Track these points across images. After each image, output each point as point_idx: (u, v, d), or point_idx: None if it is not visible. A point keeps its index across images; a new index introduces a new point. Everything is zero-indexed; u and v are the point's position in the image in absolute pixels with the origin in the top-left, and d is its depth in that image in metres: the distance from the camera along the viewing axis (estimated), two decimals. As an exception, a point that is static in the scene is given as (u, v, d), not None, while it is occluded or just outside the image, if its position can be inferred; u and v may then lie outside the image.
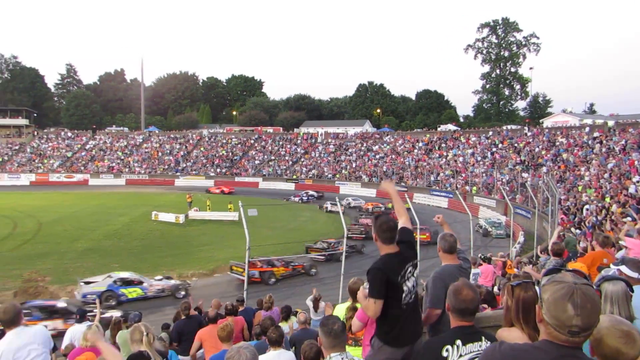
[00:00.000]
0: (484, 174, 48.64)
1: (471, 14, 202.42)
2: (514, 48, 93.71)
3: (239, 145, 77.73)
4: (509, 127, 65.28)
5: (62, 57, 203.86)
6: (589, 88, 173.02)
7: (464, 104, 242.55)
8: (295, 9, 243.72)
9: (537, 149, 48.19)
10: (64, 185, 66.77)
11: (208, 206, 42.15)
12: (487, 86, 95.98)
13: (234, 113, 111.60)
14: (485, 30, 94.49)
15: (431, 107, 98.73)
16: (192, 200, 44.25)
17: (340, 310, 5.43)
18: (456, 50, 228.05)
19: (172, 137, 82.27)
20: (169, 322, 10.44)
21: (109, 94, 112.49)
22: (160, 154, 77.05)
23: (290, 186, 63.59)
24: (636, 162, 30.43)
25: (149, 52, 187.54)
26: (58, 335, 9.88)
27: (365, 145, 69.93)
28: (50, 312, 15.70)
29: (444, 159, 57.40)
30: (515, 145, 51.88)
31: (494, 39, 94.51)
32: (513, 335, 2.89)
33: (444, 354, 2.86)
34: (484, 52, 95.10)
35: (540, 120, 73.77)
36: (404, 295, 3.66)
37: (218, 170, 71.87)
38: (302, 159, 71.38)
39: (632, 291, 3.39)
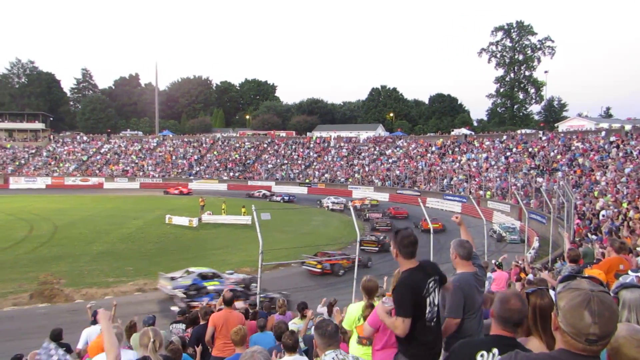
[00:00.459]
0: (497, 179, 48.25)
1: (485, 17, 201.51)
2: (529, 51, 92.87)
3: (252, 149, 78.04)
4: (523, 131, 64.67)
5: (77, 62, 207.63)
6: (605, 92, 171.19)
7: (478, 107, 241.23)
8: (308, 13, 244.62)
9: (552, 154, 47.69)
10: (80, 189, 67.55)
11: (223, 210, 42.26)
12: (501, 90, 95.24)
13: (247, 117, 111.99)
14: (499, 34, 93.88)
15: (444, 111, 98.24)
16: (204, 204, 44.48)
17: (356, 309, 5.45)
18: (469, 54, 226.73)
19: (186, 141, 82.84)
20: None
21: (124, 98, 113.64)
22: (174, 157, 77.63)
23: (303, 190, 63.66)
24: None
25: (163, 56, 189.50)
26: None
27: (378, 149, 69.81)
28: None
29: (458, 163, 57.05)
30: (530, 149, 51.41)
31: (508, 43, 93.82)
32: (531, 345, 2.85)
33: (478, 358, 2.81)
34: (498, 55, 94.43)
35: (555, 125, 73.01)
36: (427, 310, 3.67)
37: (231, 174, 72.20)
38: (315, 163, 71.43)
39: None
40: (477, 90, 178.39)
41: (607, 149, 41.51)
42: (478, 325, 4.19)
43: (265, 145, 78.56)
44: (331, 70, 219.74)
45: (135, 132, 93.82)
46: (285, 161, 73.50)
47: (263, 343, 7.47)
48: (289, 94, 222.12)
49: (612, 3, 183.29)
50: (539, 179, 42.10)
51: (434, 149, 63.46)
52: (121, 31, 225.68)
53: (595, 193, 31.75)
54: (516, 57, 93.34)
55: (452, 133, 72.41)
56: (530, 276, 12.33)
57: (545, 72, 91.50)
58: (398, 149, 67.69)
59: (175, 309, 17.68)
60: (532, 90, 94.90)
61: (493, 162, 53.09)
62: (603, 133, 46.22)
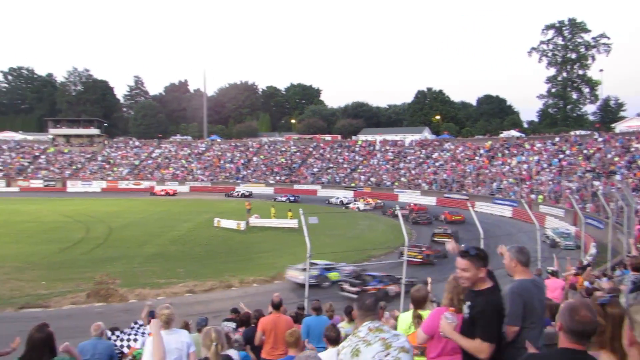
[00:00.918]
0: (550, 182, 46.66)
1: (534, 15, 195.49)
2: (582, 49, 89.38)
3: (298, 153, 78.61)
4: (577, 132, 62.32)
5: (130, 70, 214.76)
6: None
7: (528, 109, 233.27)
8: (353, 16, 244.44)
9: (609, 155, 45.72)
10: (132, 192, 69.88)
11: (273, 214, 42.62)
12: (553, 90, 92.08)
13: (293, 121, 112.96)
14: (551, 32, 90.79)
15: (493, 113, 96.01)
16: (250, 208, 45.03)
17: (407, 317, 5.39)
18: (519, 54, 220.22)
19: (233, 145, 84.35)
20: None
21: (174, 104, 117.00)
22: (221, 161, 79.17)
23: (349, 193, 63.59)
24: None
25: (211, 63, 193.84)
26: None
27: (424, 152, 68.90)
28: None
29: (507, 167, 55.55)
30: (585, 151, 49.46)
31: (560, 41, 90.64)
32: None
33: None
34: (550, 54, 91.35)
35: (612, 125, 69.90)
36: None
37: (277, 177, 72.94)
38: (361, 167, 71.20)
39: None
40: (527, 90, 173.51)
41: (669, 151, 39.48)
42: (539, 335, 4.04)
43: (310, 149, 78.99)
44: (376, 73, 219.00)
45: (185, 137, 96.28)
46: (331, 165, 73.62)
47: (317, 326, 7.52)
48: (334, 98, 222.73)
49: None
50: (595, 182, 40.46)
51: (482, 151, 62.06)
52: (171, 39, 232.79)
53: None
54: (568, 55, 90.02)
55: (501, 135, 70.61)
56: (587, 284, 11.82)
57: (600, 70, 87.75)
58: (445, 152, 66.58)
59: (229, 326, 17.89)
60: (587, 90, 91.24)
61: (545, 165, 51.41)
62: (665, 134, 44.00)
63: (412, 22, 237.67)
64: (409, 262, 24.64)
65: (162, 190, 67.85)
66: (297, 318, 9.81)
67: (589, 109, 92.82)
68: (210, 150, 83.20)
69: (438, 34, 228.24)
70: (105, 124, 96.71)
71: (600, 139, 50.60)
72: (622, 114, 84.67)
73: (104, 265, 26.07)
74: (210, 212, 46.12)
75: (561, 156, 51.44)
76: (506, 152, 59.37)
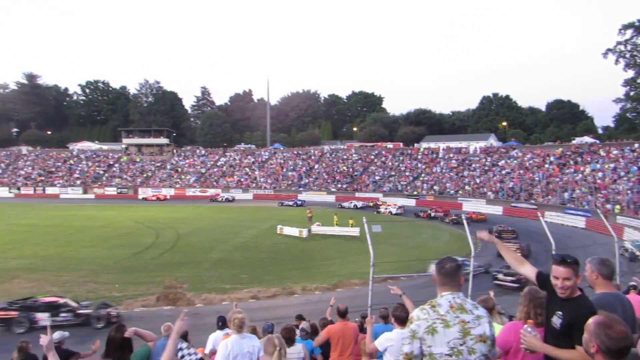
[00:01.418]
0: (629, 191, 43.89)
1: (611, 14, 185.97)
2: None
3: (360, 161, 78.44)
4: (658, 138, 58.43)
5: (197, 81, 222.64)
6: None
7: (603, 114, 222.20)
8: (414, 22, 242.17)
9: (694, 163, 42.50)
10: (199, 199, 72.21)
11: (336, 222, 42.65)
12: (632, 93, 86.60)
13: (354, 129, 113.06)
14: (629, 32, 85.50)
15: (564, 118, 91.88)
16: (312, 215, 45.29)
17: None
18: (593, 56, 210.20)
19: (295, 153, 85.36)
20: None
21: (238, 113, 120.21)
22: (284, 169, 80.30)
23: (411, 202, 62.63)
24: None
25: (275, 72, 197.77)
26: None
27: (490, 160, 66.81)
28: None
29: (580, 175, 52.78)
30: (667, 158, 46.24)
31: (639, 41, 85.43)
32: None
33: None
34: (628, 55, 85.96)
35: (697, 130, 65.04)
36: None
37: (339, 185, 73.05)
38: (423, 175, 70.04)
39: None
40: (601, 94, 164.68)
41: None
42: None
43: (372, 157, 78.63)
44: (439, 79, 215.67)
45: (249, 145, 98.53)
46: (393, 173, 72.90)
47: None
48: (396, 105, 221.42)
49: None
50: (679, 192, 37.68)
51: (552, 159, 59.33)
52: (236, 50, 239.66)
53: None
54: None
55: (574, 142, 67.36)
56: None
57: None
58: (512, 159, 64.25)
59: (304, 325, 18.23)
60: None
61: (622, 173, 48.42)
62: None
63: (477, 25, 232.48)
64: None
65: (153, 196, 73.33)
66: (361, 327, 9.71)
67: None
68: (273, 158, 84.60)
69: (504, 37, 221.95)
70: (174, 134, 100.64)
71: (684, 145, 47.16)
72: None
73: (172, 270, 27.03)
74: (272, 219, 46.83)
75: (640, 164, 48.35)
76: (579, 159, 56.47)
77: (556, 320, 3.54)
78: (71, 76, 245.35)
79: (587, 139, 68.40)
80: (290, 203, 64.16)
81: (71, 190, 77.71)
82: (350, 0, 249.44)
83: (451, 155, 72.34)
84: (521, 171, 60.05)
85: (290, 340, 6.50)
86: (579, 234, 39.97)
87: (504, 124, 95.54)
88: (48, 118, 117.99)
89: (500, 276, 23.69)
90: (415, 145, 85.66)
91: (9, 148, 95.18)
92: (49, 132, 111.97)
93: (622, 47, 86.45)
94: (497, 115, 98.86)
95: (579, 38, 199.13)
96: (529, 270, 4.02)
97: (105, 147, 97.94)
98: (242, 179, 79.12)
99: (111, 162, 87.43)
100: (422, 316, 3.05)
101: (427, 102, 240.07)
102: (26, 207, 59.76)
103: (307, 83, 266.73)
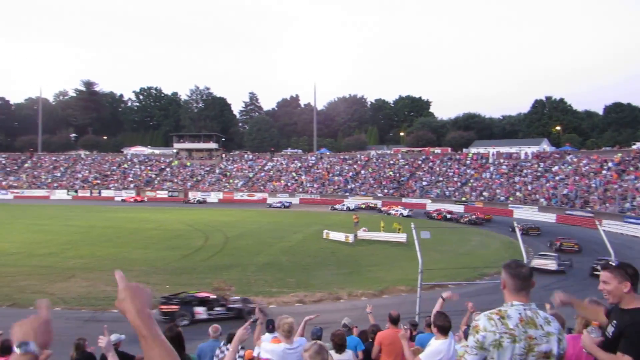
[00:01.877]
0: (693, 199, 41.51)
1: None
2: None
3: (406, 166, 77.64)
4: None
5: (246, 87, 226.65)
6: None
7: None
8: (461, 25, 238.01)
9: None
10: (246, 203, 73.30)
11: (382, 227, 42.32)
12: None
13: (401, 134, 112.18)
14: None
15: (623, 122, 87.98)
16: (358, 221, 45.08)
17: None
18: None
19: (342, 158, 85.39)
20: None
21: (285, 118, 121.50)
22: (330, 174, 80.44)
23: (460, 208, 61.42)
24: None
25: (321, 77, 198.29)
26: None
27: (542, 165, 64.70)
28: None
29: (641, 181, 50.32)
30: None
31: None
32: None
33: None
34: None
35: None
36: None
37: (385, 191, 72.51)
38: (472, 181, 68.56)
39: None
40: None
41: None
42: None
43: (419, 162, 77.66)
44: (489, 83, 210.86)
45: (295, 150, 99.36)
46: (441, 178, 71.75)
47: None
48: (444, 110, 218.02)
49: None
50: None
51: (610, 165, 56.81)
52: (283, 56, 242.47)
53: None
54: None
55: (634, 147, 64.33)
56: None
57: None
58: (566, 165, 61.99)
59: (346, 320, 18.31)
60: None
61: (689, 180, 45.85)
62: None
63: (527, 26, 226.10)
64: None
65: (131, 198, 77.92)
66: (410, 334, 9.56)
67: None
68: (320, 163, 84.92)
69: (557, 38, 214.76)
70: (223, 139, 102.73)
71: None
72: None
73: (220, 272, 27.50)
74: (319, 224, 46.96)
75: None
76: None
77: (609, 329, 3.48)
78: (126, 83, 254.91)
79: (649, 144, 65.25)
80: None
81: (125, 193, 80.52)
82: (396, 5, 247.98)
83: (501, 160, 70.53)
84: (576, 177, 57.86)
85: (341, 347, 6.46)
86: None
87: (558, 128, 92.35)
88: (104, 123, 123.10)
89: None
90: (464, 150, 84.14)
91: (68, 152, 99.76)
92: (105, 137, 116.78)
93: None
94: (550, 119, 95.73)
95: (639, 38, 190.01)
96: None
97: (157, 151, 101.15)
98: (288, 184, 79.80)
99: (163, 166, 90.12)
100: (489, 327, 2.83)
101: (476, 106, 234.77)
102: (83, 209, 62.37)
103: (354, 88, 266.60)
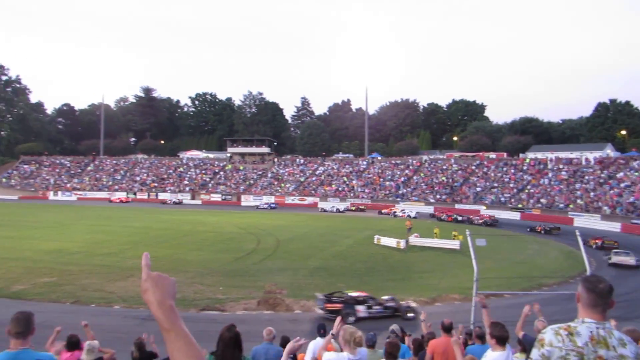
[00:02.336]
0: None
1: None
2: None
3: (460, 172, 75.99)
4: None
5: (297, 92, 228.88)
6: None
7: None
8: (518, 26, 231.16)
9: None
10: (297, 207, 73.84)
11: (435, 234, 41.48)
12: None
13: (455, 138, 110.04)
14: None
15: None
16: (411, 227, 44.42)
17: None
18: None
19: (393, 163, 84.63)
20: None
21: (337, 123, 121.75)
22: (381, 179, 79.84)
23: (515, 215, 59.43)
24: None
25: (373, 82, 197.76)
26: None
27: (606, 172, 61.66)
28: None
29: None
30: None
31: None
32: None
33: None
34: None
35: None
36: None
37: (437, 196, 71.22)
38: (529, 187, 66.24)
39: None
40: None
41: None
42: None
43: (473, 168, 75.84)
44: (548, 85, 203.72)
45: (347, 155, 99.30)
46: (496, 184, 69.74)
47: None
48: (499, 114, 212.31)
49: None
50: None
51: (683, 171, 53.53)
52: (335, 60, 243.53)
53: None
54: None
55: None
56: None
57: None
58: (633, 171, 58.82)
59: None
60: None
61: None
62: None
63: (589, 27, 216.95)
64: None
65: (117, 199, 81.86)
66: (466, 343, 9.28)
67: None
68: (371, 168, 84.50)
69: (620, 39, 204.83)
70: (275, 143, 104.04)
71: None
72: None
73: (272, 276, 27.77)
74: (369, 229, 46.66)
75: None
76: None
77: None
78: (182, 89, 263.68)
79: None
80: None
81: (180, 195, 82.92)
82: (450, 8, 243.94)
83: (561, 166, 67.79)
84: (644, 184, 54.82)
85: (393, 357, 6.35)
86: None
87: (623, 132, 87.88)
88: (161, 128, 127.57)
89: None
90: (521, 155, 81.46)
91: (128, 156, 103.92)
92: (162, 141, 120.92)
93: None
94: (614, 123, 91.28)
95: None
96: None
97: (211, 155, 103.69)
98: (339, 188, 79.81)
99: (216, 170, 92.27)
100: (555, 342, 2.63)
101: (533, 109, 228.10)
102: (141, 211, 64.71)
103: (406, 92, 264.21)
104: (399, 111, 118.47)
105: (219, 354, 4.82)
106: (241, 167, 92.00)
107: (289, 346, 4.52)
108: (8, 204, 72.81)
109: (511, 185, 68.33)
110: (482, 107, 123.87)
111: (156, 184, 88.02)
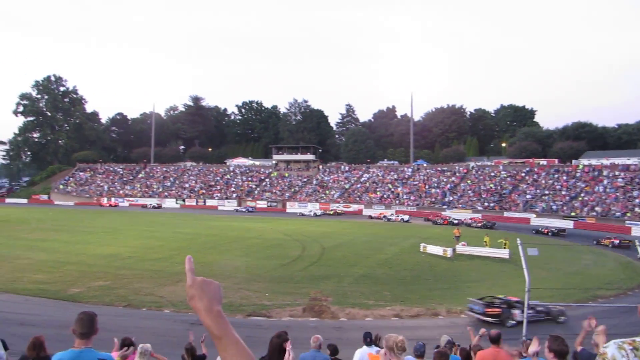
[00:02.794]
0: None
1: None
2: None
3: (508, 179, 74.04)
4: None
5: (342, 99, 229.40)
6: None
7: None
8: (568, 30, 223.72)
9: None
10: (342, 215, 73.79)
11: (485, 242, 40.39)
12: None
13: (503, 145, 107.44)
14: None
15: None
16: (460, 235, 43.53)
17: None
18: None
19: (439, 170, 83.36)
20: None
21: (381, 129, 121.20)
22: (427, 186, 78.77)
23: (569, 224, 57.28)
24: None
25: (418, 88, 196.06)
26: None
27: (667, 178, 58.74)
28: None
29: None
30: None
31: None
32: None
33: None
34: None
35: None
36: None
37: (485, 204, 69.62)
38: (583, 194, 63.80)
39: None
40: None
41: None
42: None
43: (523, 174, 73.72)
44: (600, 90, 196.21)
45: (392, 161, 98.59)
46: (547, 192, 67.54)
47: None
48: (550, 119, 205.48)
49: None
50: None
51: None
52: (380, 67, 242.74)
53: None
54: None
55: None
56: None
57: None
58: (696, 178, 55.80)
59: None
60: None
61: None
62: None
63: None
64: None
65: (107, 203, 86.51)
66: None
67: None
68: (416, 174, 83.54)
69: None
70: (320, 150, 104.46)
71: None
72: None
73: (317, 283, 27.83)
74: (415, 236, 46.13)
75: None
76: None
77: None
78: (229, 97, 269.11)
79: None
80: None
81: (227, 202, 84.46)
82: (496, 12, 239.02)
83: (617, 172, 64.99)
84: None
85: None
86: None
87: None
88: (209, 136, 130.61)
89: None
90: (573, 161, 78.60)
91: (177, 163, 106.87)
92: (210, 149, 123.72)
93: None
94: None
95: None
96: None
97: (257, 162, 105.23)
98: (385, 195, 79.27)
99: (262, 177, 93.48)
100: (619, 357, 2.53)
101: (587, 114, 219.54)
102: (189, 217, 66.31)
103: (452, 98, 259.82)
104: (445, 117, 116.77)
105: (266, 359, 4.91)
106: (286, 174, 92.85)
107: None
108: (65, 210, 76.23)
109: (563, 192, 66.03)
110: (531, 112, 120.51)
111: (204, 191, 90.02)
